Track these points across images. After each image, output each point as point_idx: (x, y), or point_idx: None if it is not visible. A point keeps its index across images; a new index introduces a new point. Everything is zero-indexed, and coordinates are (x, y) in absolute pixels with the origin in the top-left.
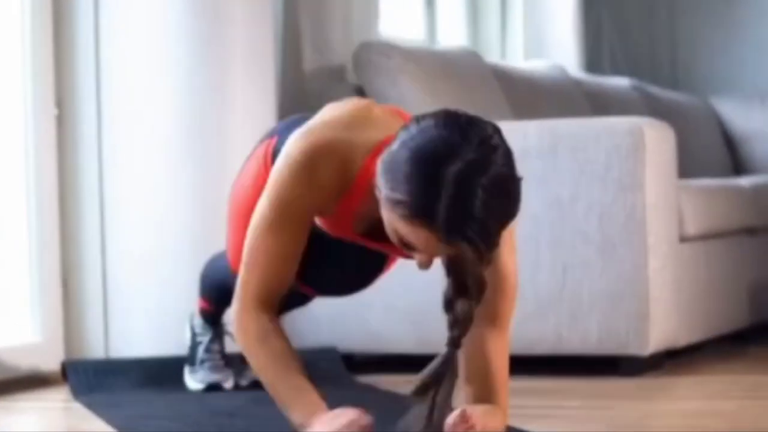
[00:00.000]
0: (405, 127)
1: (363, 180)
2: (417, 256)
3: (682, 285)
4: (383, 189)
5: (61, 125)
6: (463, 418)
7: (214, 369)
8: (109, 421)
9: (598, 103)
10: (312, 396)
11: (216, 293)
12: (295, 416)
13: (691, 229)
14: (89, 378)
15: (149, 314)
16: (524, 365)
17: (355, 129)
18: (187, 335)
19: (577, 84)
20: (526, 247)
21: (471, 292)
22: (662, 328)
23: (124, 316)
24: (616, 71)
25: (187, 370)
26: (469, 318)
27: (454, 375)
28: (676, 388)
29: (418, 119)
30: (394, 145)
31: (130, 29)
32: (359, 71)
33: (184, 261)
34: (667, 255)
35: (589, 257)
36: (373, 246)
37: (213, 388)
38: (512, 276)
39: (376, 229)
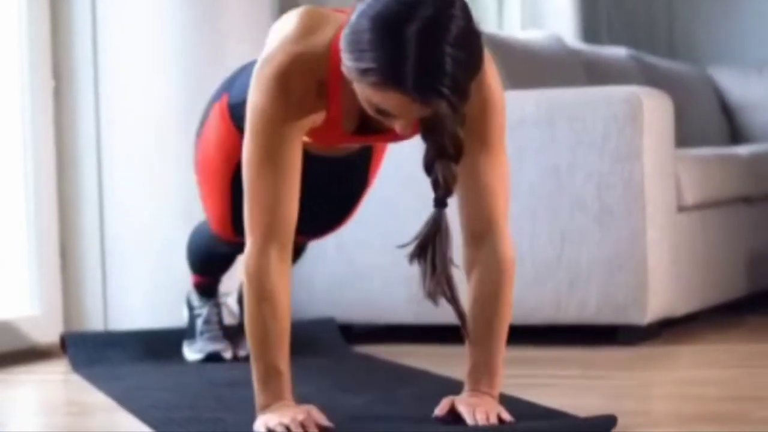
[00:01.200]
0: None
1: (334, 75)
2: (395, 122)
3: (679, 254)
4: (349, 62)
5: (59, 97)
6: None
7: (212, 339)
8: (109, 392)
9: (596, 73)
10: (282, 383)
11: (205, 264)
12: (260, 396)
13: (689, 198)
14: (88, 350)
15: (148, 286)
16: (522, 334)
17: (309, 35)
18: (185, 312)
19: (574, 54)
20: (524, 217)
21: (450, 153)
22: (660, 298)
23: (122, 289)
24: (614, 41)
25: (185, 344)
26: (452, 177)
27: (446, 234)
28: (674, 357)
29: None
30: (353, 18)
31: (128, 1)
32: None
33: (182, 233)
34: (665, 224)
35: (587, 226)
36: (367, 141)
37: (212, 358)
38: (497, 95)
39: (364, 123)
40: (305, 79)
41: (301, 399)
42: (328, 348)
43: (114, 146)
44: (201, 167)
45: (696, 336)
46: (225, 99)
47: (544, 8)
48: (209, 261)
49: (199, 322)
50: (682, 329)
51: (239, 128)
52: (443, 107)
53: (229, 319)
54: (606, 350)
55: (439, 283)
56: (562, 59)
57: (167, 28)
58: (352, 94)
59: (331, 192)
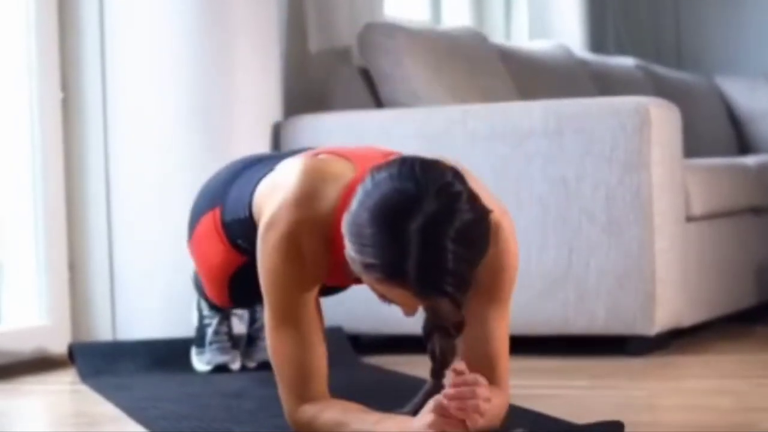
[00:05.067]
0: (362, 183)
1: (338, 236)
2: (401, 308)
3: (688, 265)
4: (352, 252)
5: (67, 109)
6: (458, 372)
7: (221, 350)
8: (117, 403)
9: (603, 83)
10: (398, 417)
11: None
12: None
13: (697, 208)
14: (96, 360)
15: (156, 296)
16: (531, 345)
17: (311, 199)
18: (195, 316)
19: (582, 64)
20: (532, 228)
21: (450, 332)
22: (669, 308)
23: (130, 299)
24: (621, 51)
25: (194, 351)
26: (450, 351)
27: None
28: (683, 367)
29: (372, 173)
30: (353, 205)
31: (135, 12)
32: (364, 52)
33: None
34: (674, 235)
35: (596, 237)
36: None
37: (220, 369)
38: (512, 252)
39: None
40: (312, 239)
41: None
42: (336, 358)
43: (122, 158)
44: (198, 263)
45: (705, 346)
46: (218, 212)
47: (551, 18)
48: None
49: (209, 332)
50: (691, 340)
51: (235, 244)
52: (445, 303)
53: (239, 327)
54: (615, 361)
55: None
56: (570, 69)
57: (175, 40)
58: None
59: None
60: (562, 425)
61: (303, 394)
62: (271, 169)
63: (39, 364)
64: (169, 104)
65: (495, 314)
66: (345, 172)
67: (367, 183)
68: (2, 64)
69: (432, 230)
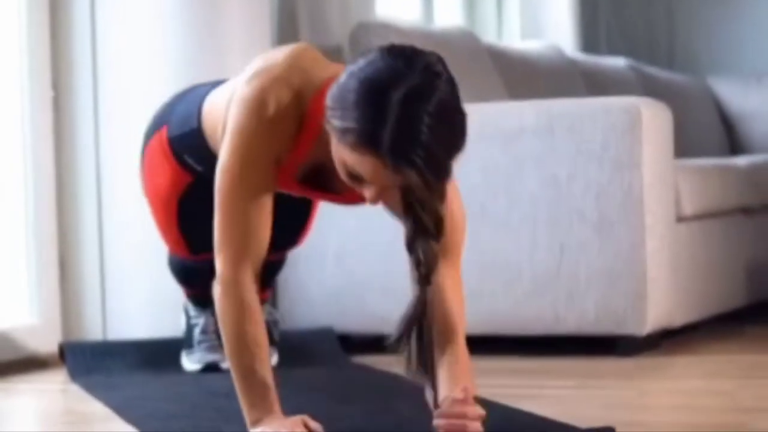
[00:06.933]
0: (353, 60)
1: (313, 118)
2: (366, 190)
3: (679, 264)
4: (331, 118)
5: (58, 107)
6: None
7: (210, 349)
8: (107, 402)
9: (595, 83)
10: (268, 397)
11: (186, 279)
12: (249, 411)
13: (688, 208)
14: (87, 360)
15: (147, 296)
16: (520, 345)
17: (300, 68)
18: (183, 320)
19: (573, 64)
20: (523, 227)
21: (430, 231)
22: (659, 308)
23: (121, 298)
24: (613, 51)
25: (183, 353)
26: (434, 256)
27: (431, 312)
28: (673, 367)
29: (364, 53)
30: (342, 77)
31: (127, 11)
32: (356, 52)
33: None
34: (664, 234)
35: (586, 237)
36: (311, 194)
37: (210, 368)
38: (458, 212)
39: (317, 175)
40: (285, 105)
41: (298, 409)
42: (327, 358)
43: (113, 156)
44: (149, 194)
45: (695, 346)
46: (164, 131)
47: (543, 18)
48: (189, 276)
49: (197, 332)
50: (682, 340)
51: (180, 161)
52: (414, 177)
53: None
54: (605, 361)
55: (425, 362)
56: (562, 69)
57: (166, 40)
58: (321, 147)
59: (284, 212)
60: (552, 426)
61: (245, 252)
62: (221, 83)
63: (29, 363)
64: (160, 103)
65: (448, 272)
66: (335, 67)
67: (359, 59)
68: None
69: (412, 102)
